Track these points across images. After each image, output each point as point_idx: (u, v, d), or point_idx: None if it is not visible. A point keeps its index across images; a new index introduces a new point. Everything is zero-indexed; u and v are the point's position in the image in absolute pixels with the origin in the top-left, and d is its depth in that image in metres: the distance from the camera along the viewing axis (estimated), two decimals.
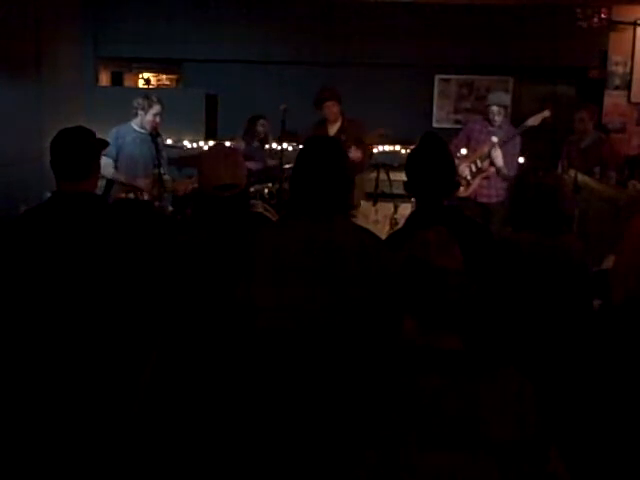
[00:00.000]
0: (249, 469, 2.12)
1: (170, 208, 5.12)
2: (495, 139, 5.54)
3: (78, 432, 2.49)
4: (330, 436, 1.84)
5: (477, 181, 5.65)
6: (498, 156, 5.49)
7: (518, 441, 1.64)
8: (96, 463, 2.48)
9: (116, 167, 5.36)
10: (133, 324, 2.58)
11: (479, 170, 5.62)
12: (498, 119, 5.61)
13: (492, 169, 5.58)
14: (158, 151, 4.96)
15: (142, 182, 5.18)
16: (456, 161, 5.59)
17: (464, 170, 5.64)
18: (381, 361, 1.76)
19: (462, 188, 5.62)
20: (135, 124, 5.37)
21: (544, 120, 5.58)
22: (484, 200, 5.67)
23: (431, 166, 2.76)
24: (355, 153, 5.45)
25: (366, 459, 1.65)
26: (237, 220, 2.54)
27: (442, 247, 1.79)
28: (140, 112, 5.32)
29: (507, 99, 5.78)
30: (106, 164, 5.27)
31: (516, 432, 1.65)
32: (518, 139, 5.67)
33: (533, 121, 5.56)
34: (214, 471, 2.29)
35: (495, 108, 5.59)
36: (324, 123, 5.84)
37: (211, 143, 8.00)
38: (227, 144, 7.67)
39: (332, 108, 5.78)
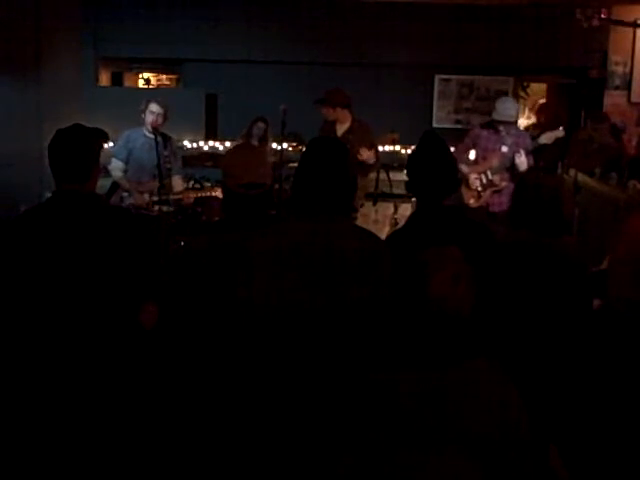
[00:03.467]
0: (240, 462, 2.12)
1: (171, 208, 5.12)
2: (505, 148, 5.30)
3: (78, 427, 2.50)
4: (318, 434, 1.85)
5: (488, 193, 5.41)
6: (523, 162, 5.18)
7: (498, 432, 1.64)
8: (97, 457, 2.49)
9: (125, 170, 5.37)
10: (132, 325, 2.59)
11: (491, 183, 5.38)
12: (505, 130, 5.34)
13: (504, 183, 5.29)
14: (164, 156, 4.94)
15: (143, 195, 5.16)
16: (465, 168, 5.46)
17: (474, 182, 5.40)
18: (375, 360, 1.78)
19: (472, 200, 5.45)
20: (145, 129, 5.39)
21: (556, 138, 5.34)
22: (495, 209, 5.41)
23: (431, 166, 2.76)
24: (367, 154, 5.41)
25: (344, 459, 1.67)
26: (263, 218, 2.54)
27: (441, 269, 1.77)
28: (142, 115, 5.34)
29: (515, 110, 5.40)
30: (115, 167, 5.30)
31: (494, 424, 1.65)
32: (529, 142, 5.41)
33: (546, 139, 5.33)
34: (207, 464, 2.30)
35: (503, 125, 5.32)
36: (333, 123, 5.80)
37: (211, 143, 8.02)
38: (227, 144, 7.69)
39: (325, 113, 5.72)
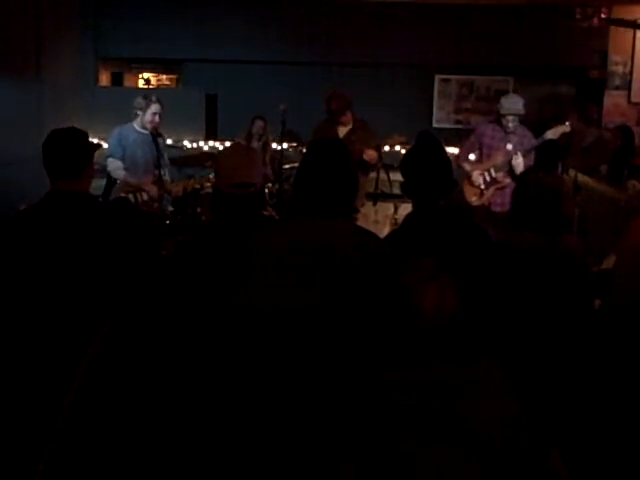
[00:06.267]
0: (237, 463, 2.12)
1: (170, 208, 5.12)
2: (510, 146, 5.26)
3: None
4: (320, 433, 1.84)
5: (491, 191, 5.37)
6: (520, 164, 5.16)
7: (502, 434, 1.64)
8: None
9: (125, 168, 5.35)
10: (127, 323, 2.59)
11: (494, 180, 5.33)
12: (512, 126, 5.30)
13: (507, 180, 5.23)
14: (159, 152, 4.95)
15: (148, 183, 5.15)
16: (468, 166, 5.47)
17: (477, 179, 5.36)
18: (371, 361, 1.78)
19: (475, 197, 5.43)
20: (136, 125, 5.36)
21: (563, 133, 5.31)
22: (497, 209, 5.35)
23: (426, 167, 2.75)
24: (372, 154, 5.39)
25: (349, 455, 1.67)
26: (251, 219, 2.53)
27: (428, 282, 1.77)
28: (139, 112, 5.31)
29: (521, 105, 5.34)
30: (117, 166, 5.22)
31: (499, 425, 1.65)
32: (533, 142, 5.41)
33: (552, 134, 5.26)
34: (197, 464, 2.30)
35: (511, 117, 5.27)
36: (334, 124, 5.74)
37: (211, 143, 8.03)
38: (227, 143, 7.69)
39: (347, 117, 5.66)
